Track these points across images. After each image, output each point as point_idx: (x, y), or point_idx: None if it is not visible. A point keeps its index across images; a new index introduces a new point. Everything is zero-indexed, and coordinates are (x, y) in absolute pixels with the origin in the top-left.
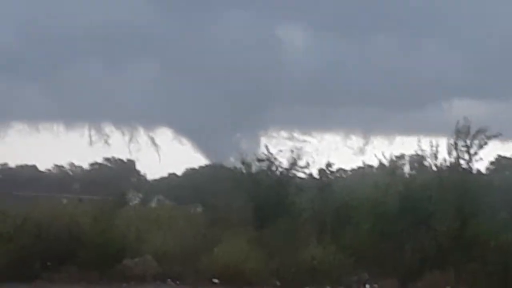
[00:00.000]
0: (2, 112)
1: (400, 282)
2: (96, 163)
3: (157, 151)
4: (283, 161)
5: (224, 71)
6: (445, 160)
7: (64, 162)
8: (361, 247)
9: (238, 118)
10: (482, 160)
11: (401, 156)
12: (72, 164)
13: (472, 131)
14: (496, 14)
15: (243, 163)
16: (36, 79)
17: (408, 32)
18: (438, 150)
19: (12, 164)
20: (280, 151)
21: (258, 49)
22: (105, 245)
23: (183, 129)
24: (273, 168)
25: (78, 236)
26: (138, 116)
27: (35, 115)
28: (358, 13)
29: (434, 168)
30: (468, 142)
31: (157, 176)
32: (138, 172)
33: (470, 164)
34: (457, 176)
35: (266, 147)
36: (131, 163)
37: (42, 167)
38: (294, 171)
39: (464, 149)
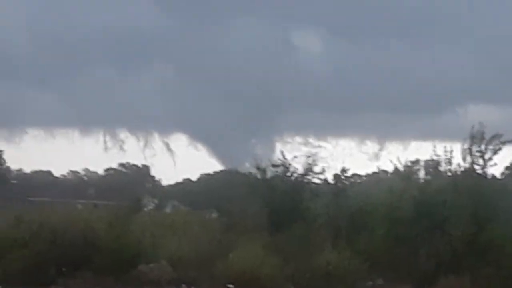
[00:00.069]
0: (18, 118)
1: (414, 287)
2: (111, 169)
3: (172, 156)
4: (298, 167)
5: (239, 77)
6: (459, 165)
7: (79, 167)
8: (376, 252)
9: (253, 124)
10: (497, 165)
11: (416, 162)
12: (87, 170)
13: (487, 136)
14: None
15: (258, 168)
16: (51, 85)
17: (423, 38)
18: (453, 155)
19: (27, 169)
20: (295, 157)
21: (272, 56)
22: (120, 250)
23: (198, 134)
24: (288, 173)
25: (93, 242)
26: (153, 121)
27: (51, 121)
28: (372, 19)
29: (448, 173)
30: (483, 147)
31: (172, 181)
32: (153, 177)
33: (485, 169)
34: (471, 181)
35: (282, 152)
36: (146, 168)
37: (57, 172)
38: (309, 177)
39: (478, 154)
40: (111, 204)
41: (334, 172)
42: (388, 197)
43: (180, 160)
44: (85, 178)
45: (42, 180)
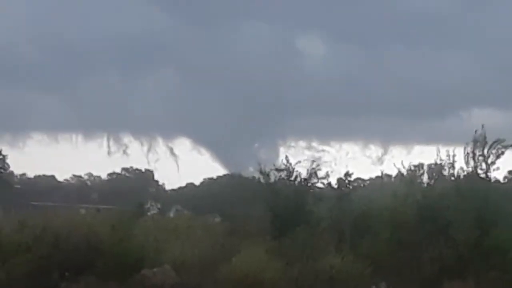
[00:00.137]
0: (21, 122)
1: None
2: (115, 173)
3: (176, 161)
4: (302, 171)
5: (243, 82)
6: (463, 170)
7: (82, 172)
8: (379, 256)
9: (257, 128)
10: (499, 170)
11: (420, 166)
12: (90, 174)
13: (489, 141)
14: None
15: (261, 173)
16: (55, 90)
17: (427, 42)
18: (455, 159)
19: (30, 174)
20: (299, 162)
21: (277, 60)
22: (123, 255)
23: (202, 139)
24: (292, 178)
25: (97, 246)
26: (156, 126)
27: (54, 126)
28: (377, 24)
29: (452, 177)
30: (485, 151)
31: (175, 186)
32: (156, 182)
33: (488, 173)
34: (475, 185)
35: (286, 157)
36: (149, 173)
37: (60, 177)
38: (312, 181)
39: (481, 158)
40: (115, 209)
41: (337, 176)
42: (391, 201)
43: (183, 165)
44: (89, 182)
45: (45, 185)
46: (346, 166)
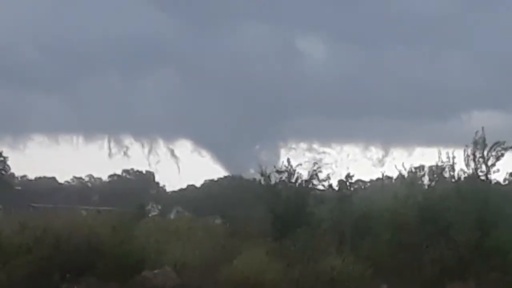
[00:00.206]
0: (22, 124)
1: None
2: (115, 175)
3: (177, 163)
4: (303, 173)
5: (243, 83)
6: (463, 171)
7: (83, 174)
8: (380, 257)
9: (258, 130)
10: (499, 171)
11: (421, 167)
12: (91, 176)
13: (489, 143)
14: None
15: (262, 174)
16: (56, 91)
17: (428, 44)
18: (455, 161)
19: (31, 176)
20: (300, 164)
21: (277, 61)
22: (124, 256)
23: (203, 141)
24: (293, 179)
25: (97, 248)
26: (157, 128)
27: (55, 128)
28: (377, 25)
29: (452, 179)
30: (485, 153)
31: (176, 187)
32: (157, 183)
33: (488, 175)
34: (475, 187)
35: (288, 160)
36: (150, 175)
37: (61, 179)
38: (313, 183)
39: (481, 160)
40: (115, 210)
41: (338, 178)
42: (392, 203)
43: (184, 166)
44: (89, 184)
45: (46, 186)
46: (347, 168)
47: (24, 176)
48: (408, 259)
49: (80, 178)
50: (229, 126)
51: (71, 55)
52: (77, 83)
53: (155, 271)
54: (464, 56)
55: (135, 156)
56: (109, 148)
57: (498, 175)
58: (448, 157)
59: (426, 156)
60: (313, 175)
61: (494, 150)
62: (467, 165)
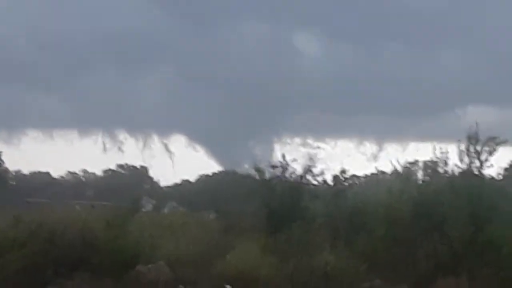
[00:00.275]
0: (16, 119)
1: None
2: (110, 170)
3: (171, 157)
4: (297, 168)
5: (238, 79)
6: (457, 166)
7: (77, 168)
8: (374, 252)
9: (252, 125)
10: (493, 166)
11: (415, 162)
12: (85, 171)
13: (482, 138)
14: (510, 21)
15: (256, 169)
16: (50, 87)
17: (422, 40)
18: (449, 156)
19: (26, 170)
20: (295, 159)
21: (272, 57)
22: (118, 251)
23: (197, 135)
24: (287, 174)
25: (92, 243)
26: (152, 123)
27: (50, 123)
28: (373, 22)
29: (446, 174)
30: (479, 148)
31: (170, 182)
32: (151, 178)
33: (482, 170)
34: (469, 182)
35: (283, 155)
36: (144, 169)
37: (55, 173)
38: (308, 178)
39: (474, 155)
40: (110, 205)
41: (333, 173)
42: (386, 198)
43: (178, 161)
44: (84, 179)
45: (40, 181)
46: (342, 163)
47: (19, 171)
48: (402, 254)
49: (75, 173)
50: (224, 121)
51: (66, 51)
52: (71, 78)
53: (149, 266)
54: (458, 52)
55: (130, 151)
56: (103, 143)
57: (492, 170)
58: (443, 152)
59: (421, 151)
60: (308, 170)
61: (488, 145)
62: (461, 160)
